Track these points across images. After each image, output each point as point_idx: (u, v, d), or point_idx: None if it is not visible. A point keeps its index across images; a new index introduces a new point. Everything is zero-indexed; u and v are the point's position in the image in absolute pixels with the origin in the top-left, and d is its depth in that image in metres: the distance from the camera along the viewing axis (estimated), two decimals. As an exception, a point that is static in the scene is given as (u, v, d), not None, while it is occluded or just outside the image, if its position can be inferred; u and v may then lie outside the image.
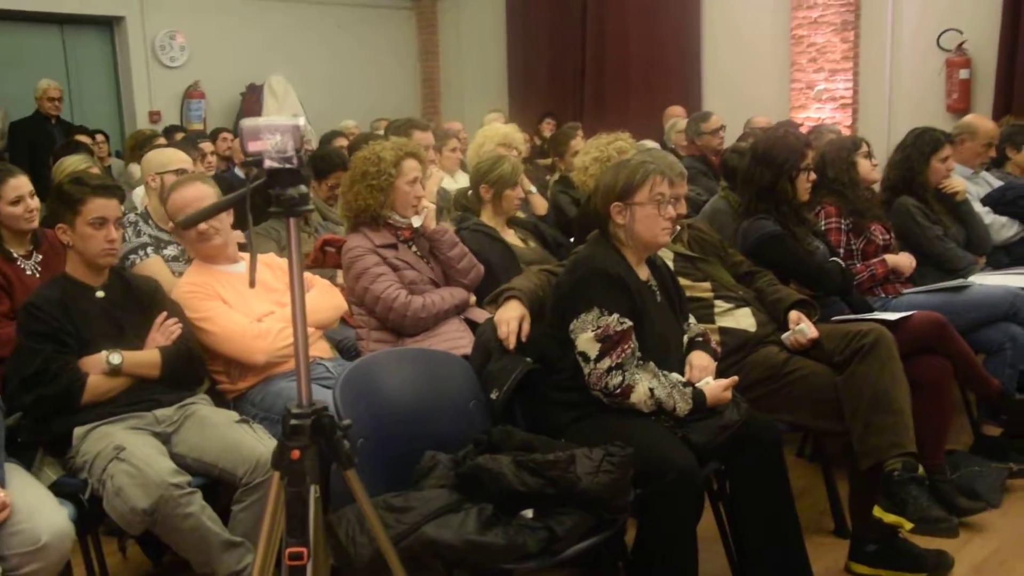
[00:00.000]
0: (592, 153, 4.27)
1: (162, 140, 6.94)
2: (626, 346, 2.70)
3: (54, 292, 2.98)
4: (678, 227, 3.46)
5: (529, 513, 2.33)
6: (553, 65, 10.30)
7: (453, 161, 5.87)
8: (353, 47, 10.58)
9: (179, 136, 7.77)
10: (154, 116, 9.29)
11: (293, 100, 9.67)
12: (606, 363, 2.68)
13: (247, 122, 1.75)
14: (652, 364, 2.76)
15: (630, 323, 2.73)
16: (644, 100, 9.34)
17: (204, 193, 3.34)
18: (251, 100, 9.72)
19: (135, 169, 6.31)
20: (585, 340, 2.71)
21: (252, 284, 1.80)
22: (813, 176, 3.80)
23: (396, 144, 3.67)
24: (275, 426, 3.03)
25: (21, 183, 3.57)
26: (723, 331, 3.27)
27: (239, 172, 7.15)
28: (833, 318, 3.58)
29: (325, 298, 3.39)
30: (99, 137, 7.88)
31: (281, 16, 10.04)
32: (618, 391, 2.67)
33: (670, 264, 3.29)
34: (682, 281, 3.21)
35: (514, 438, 2.63)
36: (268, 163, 1.74)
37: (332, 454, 1.87)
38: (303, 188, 1.77)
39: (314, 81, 9.97)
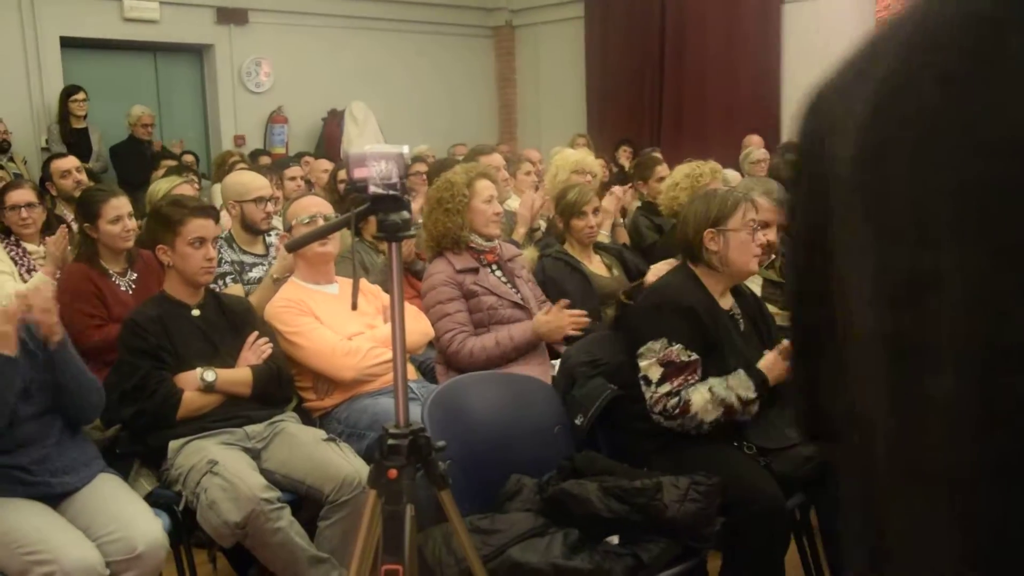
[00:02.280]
0: (683, 171, 4.31)
1: (243, 164, 7.16)
2: (689, 376, 2.70)
3: (153, 310, 3.08)
4: (772, 255, 3.46)
5: (615, 539, 2.34)
6: (631, 92, 10.32)
7: (528, 184, 5.91)
8: (432, 73, 10.74)
9: (263, 160, 7.99)
10: (239, 140, 9.53)
11: (373, 126, 9.84)
12: (665, 388, 2.69)
13: (354, 150, 1.80)
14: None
15: (696, 356, 2.72)
16: (722, 127, 9.28)
17: (317, 203, 3.49)
18: (332, 125, 9.92)
19: (217, 190, 6.49)
20: (648, 365, 2.73)
21: (354, 306, 1.86)
22: None
23: (465, 168, 3.74)
24: (359, 442, 3.11)
25: (121, 203, 3.71)
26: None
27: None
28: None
29: (413, 323, 3.44)
30: (188, 158, 8.13)
31: (362, 44, 10.24)
32: (677, 411, 2.67)
33: (757, 290, 3.29)
34: (770, 308, 3.19)
35: (598, 464, 2.65)
36: (372, 189, 1.80)
37: (427, 474, 1.90)
38: (406, 214, 1.82)
39: (394, 107, 10.14)
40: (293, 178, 6.44)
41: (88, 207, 3.69)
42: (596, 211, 4.07)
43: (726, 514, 2.47)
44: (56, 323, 2.58)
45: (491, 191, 3.61)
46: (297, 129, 9.91)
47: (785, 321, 3.29)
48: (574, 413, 2.88)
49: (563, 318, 3.43)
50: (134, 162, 8.03)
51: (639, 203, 5.72)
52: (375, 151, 1.81)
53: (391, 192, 1.80)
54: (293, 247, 2.60)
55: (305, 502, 2.96)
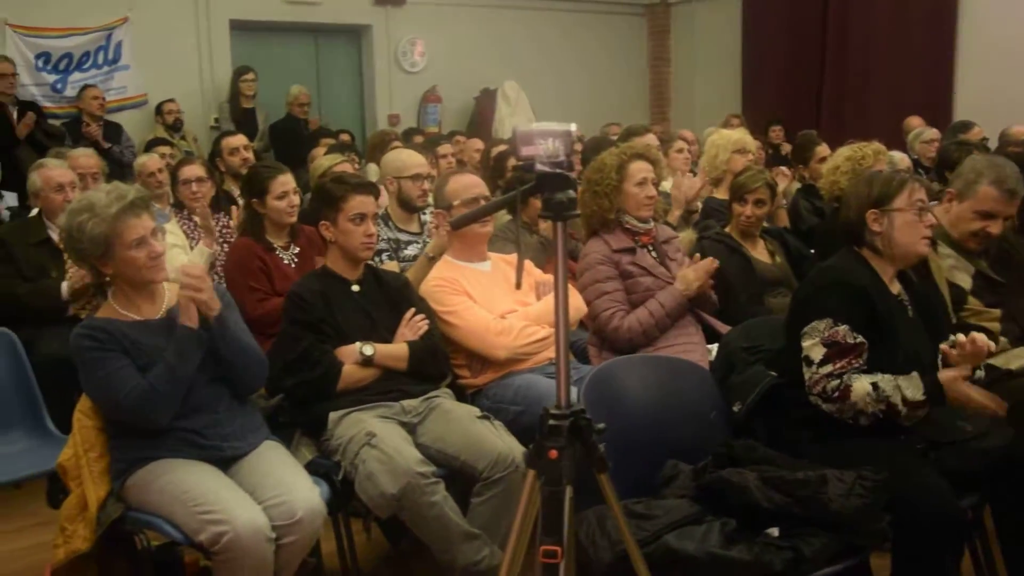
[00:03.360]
0: (844, 153, 4.14)
1: (398, 142, 7.30)
2: (853, 359, 2.59)
3: (316, 284, 3.17)
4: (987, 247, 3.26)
5: (775, 531, 2.27)
6: (790, 72, 10.01)
7: (681, 162, 5.81)
8: (584, 53, 10.68)
9: (417, 139, 8.12)
10: (393, 119, 9.72)
11: (525, 105, 9.87)
12: (827, 368, 2.59)
13: (521, 127, 1.79)
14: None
15: (862, 339, 2.61)
16: (887, 109, 8.89)
17: (478, 183, 3.51)
18: (484, 104, 10.01)
19: (372, 169, 6.63)
20: (811, 345, 2.63)
21: (518, 285, 1.85)
22: None
23: (621, 149, 3.69)
24: (504, 415, 3.12)
25: (287, 180, 3.85)
26: (988, 368, 3.04)
27: (471, 174, 7.36)
28: None
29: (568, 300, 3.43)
30: (344, 137, 8.34)
31: (515, 23, 10.27)
32: (836, 394, 2.56)
33: (967, 283, 3.11)
34: (972, 302, 3.02)
35: (756, 453, 2.58)
36: (539, 167, 1.78)
37: (586, 456, 1.88)
38: (571, 193, 1.79)
39: (545, 86, 10.13)
40: (445, 156, 6.53)
41: (256, 183, 3.84)
42: (759, 202, 3.95)
43: (891, 512, 2.36)
44: (210, 298, 2.66)
45: (645, 173, 3.55)
46: (450, 108, 10.04)
47: (981, 320, 3.09)
48: (732, 400, 2.81)
49: (699, 267, 3.45)
50: (291, 140, 8.31)
51: (799, 185, 5.54)
52: (542, 129, 1.79)
53: (558, 170, 1.78)
54: (458, 225, 2.62)
55: (457, 477, 3.00)
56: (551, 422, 1.84)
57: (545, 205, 1.80)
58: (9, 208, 5.76)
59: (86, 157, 5.21)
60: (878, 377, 2.56)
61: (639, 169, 3.54)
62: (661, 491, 2.50)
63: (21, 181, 6.32)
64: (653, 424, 2.70)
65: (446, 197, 3.49)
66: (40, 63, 7.96)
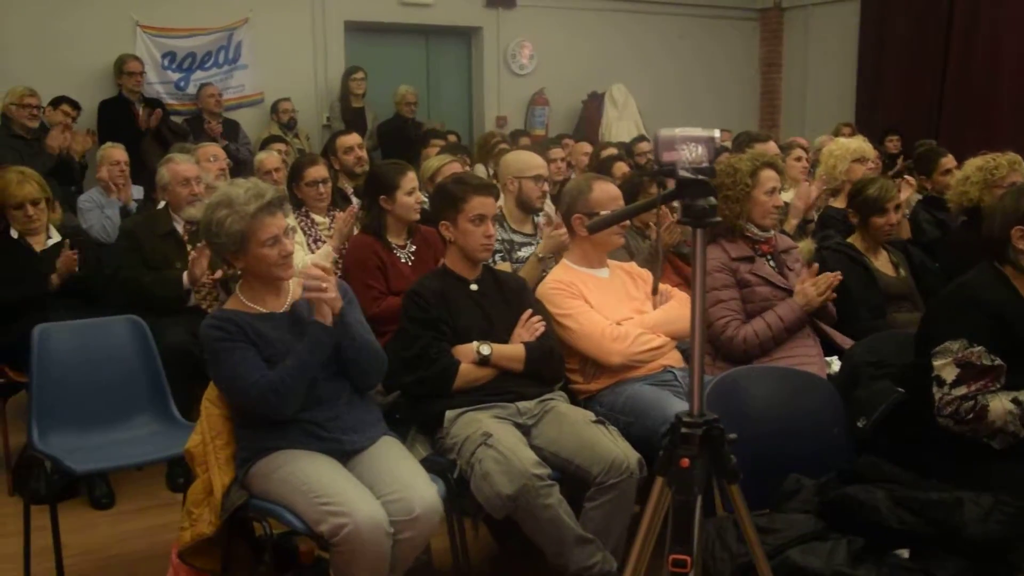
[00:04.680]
0: (976, 163, 4.01)
1: (505, 144, 7.34)
2: (989, 382, 2.49)
3: (435, 283, 3.20)
4: None
5: (904, 553, 2.20)
6: (909, 79, 9.71)
7: (798, 170, 5.69)
8: (692, 57, 10.57)
9: (524, 141, 8.15)
10: (500, 121, 9.78)
11: (632, 109, 9.82)
12: (961, 390, 2.50)
13: (663, 132, 1.78)
14: None
15: (1001, 363, 2.51)
16: (1016, 120, 8.55)
17: (619, 194, 3.48)
18: (592, 108, 9.99)
19: (480, 170, 6.67)
20: (942, 365, 2.55)
21: (655, 291, 1.84)
22: None
23: (753, 155, 3.64)
24: (615, 424, 3.08)
25: (415, 176, 3.91)
26: None
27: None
28: None
29: (683, 310, 3.38)
30: (451, 138, 8.42)
31: (624, 26, 10.23)
32: (970, 415, 2.47)
33: None
34: None
35: (881, 470, 2.50)
36: (681, 173, 1.76)
37: (716, 467, 1.86)
38: (712, 200, 1.77)
39: (652, 90, 10.08)
40: (554, 160, 6.53)
41: (385, 179, 3.89)
42: (897, 208, 3.85)
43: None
44: (334, 296, 2.70)
45: (775, 182, 3.51)
46: (557, 110, 10.04)
47: None
48: (856, 415, 2.75)
49: (821, 281, 3.39)
50: (399, 140, 8.42)
51: (918, 197, 5.37)
52: (685, 134, 1.77)
53: (699, 177, 1.76)
54: (595, 228, 2.60)
55: (569, 481, 2.99)
56: (683, 430, 1.82)
57: (685, 211, 1.78)
58: (135, 200, 5.98)
59: (215, 152, 5.39)
60: (1018, 393, 2.46)
61: (769, 177, 3.50)
62: (782, 505, 2.45)
63: (146, 175, 6.60)
64: (774, 436, 2.65)
65: (589, 204, 3.38)
66: (166, 62, 8.26)
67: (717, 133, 1.76)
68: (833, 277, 3.42)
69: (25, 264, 4.27)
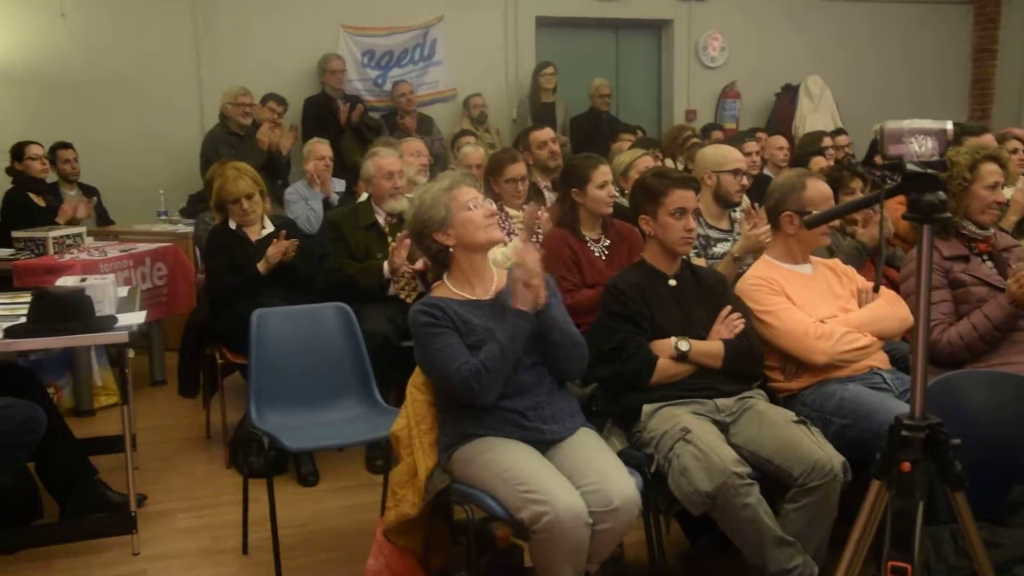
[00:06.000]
0: None
1: (695, 139, 7.24)
2: None
3: (634, 277, 3.20)
4: None
5: None
6: None
7: (1014, 163, 5.34)
8: (896, 46, 10.07)
9: (716, 134, 8.01)
10: (690, 114, 9.64)
11: (829, 102, 9.46)
12: None
13: (890, 124, 1.71)
14: None
15: None
16: None
17: (831, 193, 3.39)
18: (785, 101, 9.70)
19: (670, 164, 6.60)
20: None
21: (876, 288, 1.78)
22: None
23: (973, 147, 3.45)
24: (824, 426, 3.01)
25: (608, 170, 3.94)
26: None
27: (768, 173, 7.17)
28: None
29: (891, 309, 3.26)
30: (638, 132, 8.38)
31: (820, 16, 9.86)
32: None
33: None
34: None
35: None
36: (909, 167, 1.70)
37: (941, 473, 1.78)
38: (941, 194, 1.70)
39: (850, 82, 9.68)
40: (749, 154, 6.40)
41: (578, 173, 3.93)
42: None
43: None
44: (541, 286, 2.76)
45: (997, 177, 3.33)
46: (748, 104, 9.81)
47: None
48: (1088, 426, 2.56)
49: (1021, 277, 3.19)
50: (591, 133, 8.44)
51: None
52: (914, 127, 1.70)
53: (928, 170, 1.69)
54: (813, 223, 2.54)
55: (767, 481, 2.92)
56: (905, 433, 1.75)
57: (912, 206, 1.71)
58: (337, 193, 6.26)
59: (419, 147, 5.60)
60: None
61: (991, 172, 3.32)
62: (1005, 518, 2.32)
63: (346, 169, 6.90)
64: (996, 444, 2.50)
65: (802, 201, 3.30)
66: (365, 60, 8.59)
67: (949, 125, 1.69)
68: None
69: (243, 254, 4.56)
